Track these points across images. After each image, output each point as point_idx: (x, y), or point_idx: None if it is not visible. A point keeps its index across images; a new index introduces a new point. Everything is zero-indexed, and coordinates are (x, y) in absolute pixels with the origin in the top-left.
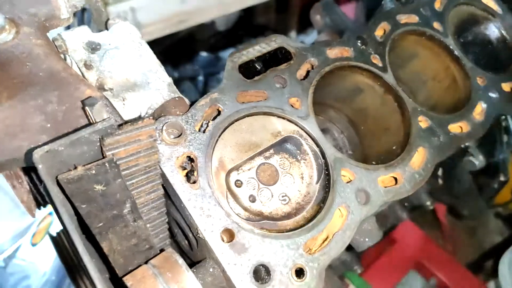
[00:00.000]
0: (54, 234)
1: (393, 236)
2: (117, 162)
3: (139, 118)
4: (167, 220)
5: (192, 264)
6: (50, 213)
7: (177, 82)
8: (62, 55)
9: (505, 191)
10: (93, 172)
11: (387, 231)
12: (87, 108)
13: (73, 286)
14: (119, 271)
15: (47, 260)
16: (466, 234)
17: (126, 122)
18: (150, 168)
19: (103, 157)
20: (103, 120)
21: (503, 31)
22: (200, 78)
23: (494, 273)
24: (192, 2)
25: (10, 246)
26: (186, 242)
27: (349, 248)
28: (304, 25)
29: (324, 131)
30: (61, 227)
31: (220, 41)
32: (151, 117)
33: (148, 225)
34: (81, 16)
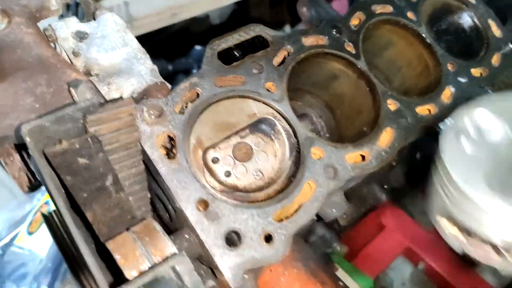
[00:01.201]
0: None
1: (381, 222)
2: (99, 138)
3: (120, 98)
4: (148, 195)
5: (172, 233)
6: (46, 202)
7: (172, 75)
8: (52, 44)
9: None
10: (77, 146)
11: (366, 212)
12: (71, 89)
13: (68, 271)
14: (103, 239)
15: (43, 248)
16: None
17: (107, 102)
18: (131, 145)
19: (86, 133)
20: (86, 99)
21: (475, 20)
22: (194, 71)
23: None
24: None
25: (7, 235)
26: (167, 214)
27: (328, 225)
28: (298, 19)
29: (303, 116)
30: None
31: (214, 34)
32: (130, 98)
33: (130, 198)
34: (76, 10)
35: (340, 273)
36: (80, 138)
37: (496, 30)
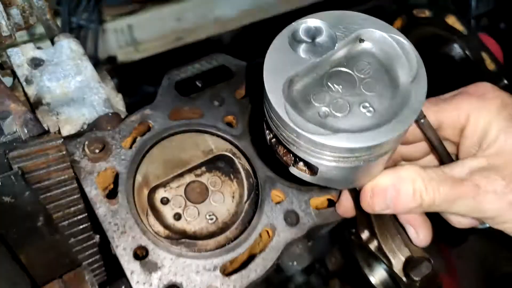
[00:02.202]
0: None
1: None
2: (26, 175)
3: (46, 132)
4: (97, 236)
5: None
6: None
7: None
8: (9, 71)
9: None
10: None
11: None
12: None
13: None
14: (39, 282)
15: None
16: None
17: (32, 137)
18: (65, 183)
19: (11, 170)
20: (9, 134)
21: (467, 52)
22: None
23: None
24: (189, 19)
25: None
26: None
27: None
28: None
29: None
30: None
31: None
32: (57, 132)
33: (72, 240)
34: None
35: None
36: (2, 175)
37: (489, 64)
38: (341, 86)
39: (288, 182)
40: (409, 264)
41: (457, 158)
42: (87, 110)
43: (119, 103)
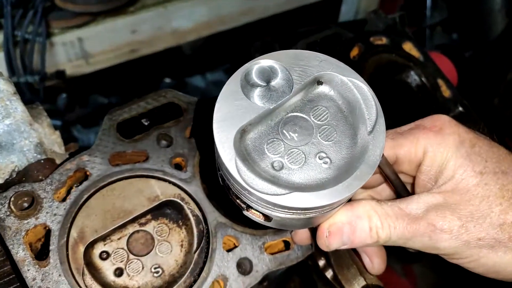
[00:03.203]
0: None
1: None
2: None
3: None
4: None
5: None
6: None
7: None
8: None
9: None
10: None
11: None
12: None
13: None
14: None
15: None
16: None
17: None
18: None
19: None
20: None
21: (423, 79)
22: None
23: None
24: (144, 31)
25: None
26: None
27: None
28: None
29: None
30: None
31: (186, 66)
32: None
33: None
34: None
35: None
36: None
37: (445, 90)
38: (296, 134)
39: (241, 227)
40: None
41: (413, 191)
42: (16, 157)
43: (55, 143)
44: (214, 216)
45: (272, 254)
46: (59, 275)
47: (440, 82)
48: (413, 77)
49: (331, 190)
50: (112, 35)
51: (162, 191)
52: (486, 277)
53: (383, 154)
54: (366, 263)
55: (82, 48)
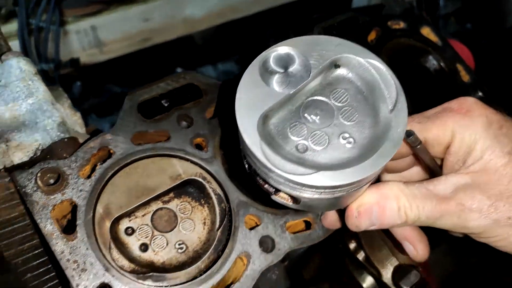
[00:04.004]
0: None
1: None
2: None
3: None
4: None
5: None
6: None
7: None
8: None
9: None
10: None
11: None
12: None
13: None
14: None
15: None
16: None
17: None
18: (16, 220)
19: None
20: None
21: (442, 64)
22: None
23: None
24: (156, 20)
25: None
26: None
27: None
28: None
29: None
30: None
31: (197, 56)
32: (3, 169)
33: (29, 275)
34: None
35: None
36: None
37: (464, 75)
38: (318, 117)
39: (262, 206)
40: (397, 273)
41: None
42: (40, 135)
43: (76, 123)
44: (236, 195)
45: (293, 233)
46: (87, 248)
47: (459, 67)
48: (432, 62)
49: (357, 168)
50: (125, 23)
51: (184, 170)
52: None
53: (421, 142)
54: (409, 250)
55: (95, 37)
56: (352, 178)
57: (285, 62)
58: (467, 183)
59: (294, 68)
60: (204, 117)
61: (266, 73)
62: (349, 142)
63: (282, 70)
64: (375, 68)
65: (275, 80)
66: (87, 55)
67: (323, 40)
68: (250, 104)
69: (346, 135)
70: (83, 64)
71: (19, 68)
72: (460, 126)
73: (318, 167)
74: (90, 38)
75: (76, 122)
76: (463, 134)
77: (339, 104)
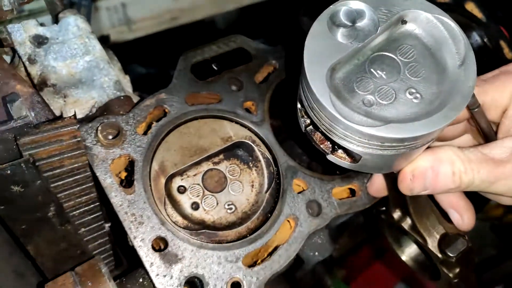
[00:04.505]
0: None
1: (381, 246)
2: (37, 163)
3: (60, 117)
4: (107, 225)
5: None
6: None
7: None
8: (8, 49)
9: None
10: (8, 172)
11: (362, 240)
12: (8, 104)
13: None
14: (48, 275)
15: None
16: None
17: (45, 122)
18: (78, 170)
19: (21, 157)
20: (18, 118)
21: (485, 40)
22: None
23: (489, 285)
24: None
25: None
26: None
27: None
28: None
29: (285, 140)
30: None
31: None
32: (73, 117)
33: (82, 229)
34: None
35: None
36: (12, 163)
37: (508, 53)
38: (384, 72)
39: (309, 171)
40: (444, 241)
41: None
42: (96, 92)
43: (127, 85)
44: (284, 159)
45: (339, 199)
46: (144, 202)
47: (503, 43)
48: (475, 38)
49: (427, 121)
50: (154, 1)
51: (235, 132)
52: None
53: (480, 105)
54: (455, 218)
55: (125, 14)
56: (423, 131)
57: (353, 16)
58: None
59: (363, 22)
60: (253, 81)
61: (333, 26)
62: (416, 98)
63: (350, 24)
64: (444, 23)
65: (342, 33)
66: (116, 32)
67: None
68: (318, 56)
69: (413, 90)
70: (113, 42)
71: (77, 25)
72: None
73: (386, 121)
74: (120, 16)
75: (126, 84)
76: None
77: (406, 60)
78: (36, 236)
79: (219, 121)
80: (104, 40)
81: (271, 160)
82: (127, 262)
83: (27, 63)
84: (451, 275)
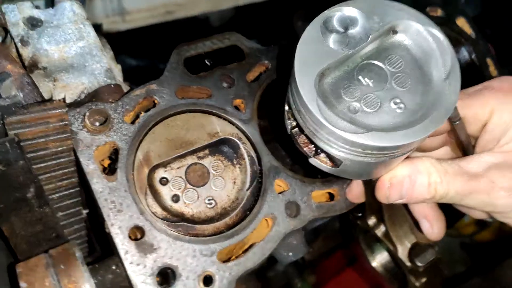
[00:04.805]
0: None
1: (354, 253)
2: (22, 143)
3: (49, 100)
4: (84, 211)
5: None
6: None
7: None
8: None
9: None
10: None
11: (336, 246)
12: None
13: None
14: (21, 257)
15: None
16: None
17: (34, 103)
18: (62, 154)
19: (6, 136)
20: (7, 97)
21: (473, 57)
22: None
23: None
24: None
25: None
26: None
27: None
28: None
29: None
30: None
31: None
32: (62, 100)
33: (60, 214)
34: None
35: None
36: None
37: (493, 71)
38: (372, 80)
39: (292, 173)
40: (414, 250)
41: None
42: (87, 78)
43: (118, 74)
44: (268, 158)
45: (318, 202)
46: (125, 190)
47: (489, 61)
48: (463, 54)
49: (408, 131)
50: None
51: (222, 128)
52: None
53: (461, 118)
54: (425, 228)
55: (119, 4)
56: (403, 141)
57: (347, 23)
58: (499, 162)
59: (355, 30)
60: (244, 79)
61: (326, 31)
62: (400, 108)
63: (342, 31)
64: (433, 36)
65: (335, 39)
66: (110, 22)
67: (386, 4)
68: (308, 60)
69: (398, 100)
70: (105, 32)
71: (72, 10)
72: (500, 104)
73: (369, 128)
74: (115, 5)
75: (117, 73)
76: (502, 111)
77: (393, 70)
78: (13, 216)
79: (207, 116)
80: (96, 29)
81: (255, 159)
82: (101, 250)
83: (19, 44)
84: (417, 284)
